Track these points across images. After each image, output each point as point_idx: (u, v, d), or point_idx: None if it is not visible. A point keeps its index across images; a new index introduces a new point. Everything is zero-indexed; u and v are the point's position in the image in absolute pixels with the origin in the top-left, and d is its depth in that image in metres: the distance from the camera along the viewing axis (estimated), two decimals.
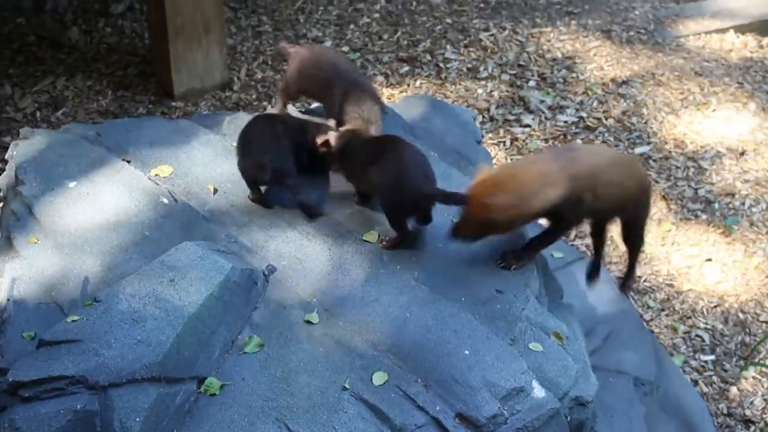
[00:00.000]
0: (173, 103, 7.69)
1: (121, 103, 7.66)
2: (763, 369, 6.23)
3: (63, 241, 4.51)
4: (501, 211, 4.26)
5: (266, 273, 4.38)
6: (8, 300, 4.25)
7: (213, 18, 7.55)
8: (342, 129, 4.82)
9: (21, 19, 8.50)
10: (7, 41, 8.26)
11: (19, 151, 5.06)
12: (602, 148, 4.60)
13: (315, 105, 5.71)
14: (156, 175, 4.93)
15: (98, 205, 4.71)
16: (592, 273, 5.17)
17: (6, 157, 5.14)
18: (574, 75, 8.30)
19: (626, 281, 5.36)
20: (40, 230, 4.58)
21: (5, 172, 5.20)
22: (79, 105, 7.64)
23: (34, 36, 8.33)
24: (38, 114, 7.54)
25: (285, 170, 4.67)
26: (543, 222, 4.87)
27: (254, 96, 7.85)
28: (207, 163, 5.02)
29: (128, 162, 5.00)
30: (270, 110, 5.55)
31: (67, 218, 4.64)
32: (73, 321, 3.91)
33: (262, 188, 4.79)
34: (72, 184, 4.83)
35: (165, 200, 4.77)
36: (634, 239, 5.06)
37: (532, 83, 8.19)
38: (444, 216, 4.76)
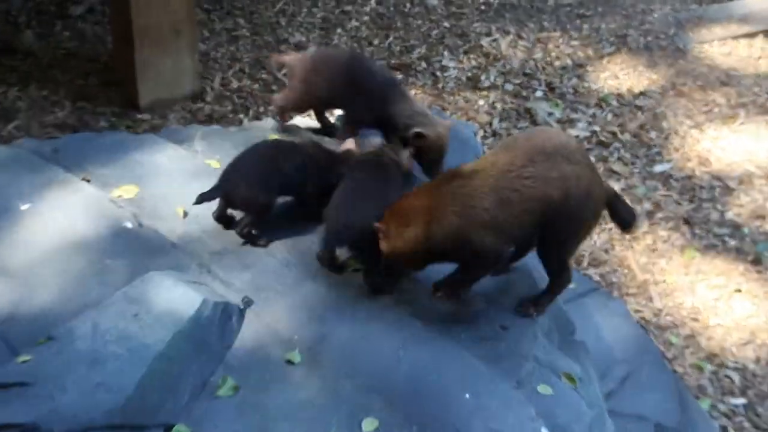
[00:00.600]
0: (139, 116, 7.66)
1: (80, 115, 7.62)
2: None
3: (13, 271, 4.47)
4: (404, 244, 4.19)
5: (242, 307, 4.34)
6: None
7: (184, 20, 7.53)
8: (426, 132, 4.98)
9: None
10: None
11: None
12: (537, 135, 4.11)
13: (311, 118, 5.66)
14: (119, 196, 4.89)
15: (54, 229, 4.67)
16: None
17: None
18: (585, 85, 8.30)
19: (529, 303, 4.59)
20: None
21: None
22: (34, 117, 7.61)
23: None
24: None
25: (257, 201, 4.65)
26: None
27: (229, 107, 7.82)
28: (176, 184, 4.99)
29: (88, 182, 4.97)
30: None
31: (19, 244, 4.59)
32: (23, 361, 3.85)
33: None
34: (24, 207, 4.78)
35: (129, 225, 4.73)
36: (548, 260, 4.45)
37: (539, 94, 8.18)
38: None
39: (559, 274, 4.45)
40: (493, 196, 4.06)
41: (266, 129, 5.50)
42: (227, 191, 4.62)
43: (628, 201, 7.20)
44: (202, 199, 4.59)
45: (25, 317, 4.25)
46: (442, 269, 4.35)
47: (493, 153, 4.27)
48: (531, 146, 4.16)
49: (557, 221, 4.18)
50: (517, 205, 4.07)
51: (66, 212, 4.75)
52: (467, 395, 4.04)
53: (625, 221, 4.56)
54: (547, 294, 4.51)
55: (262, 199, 4.63)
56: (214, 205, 4.78)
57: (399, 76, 8.23)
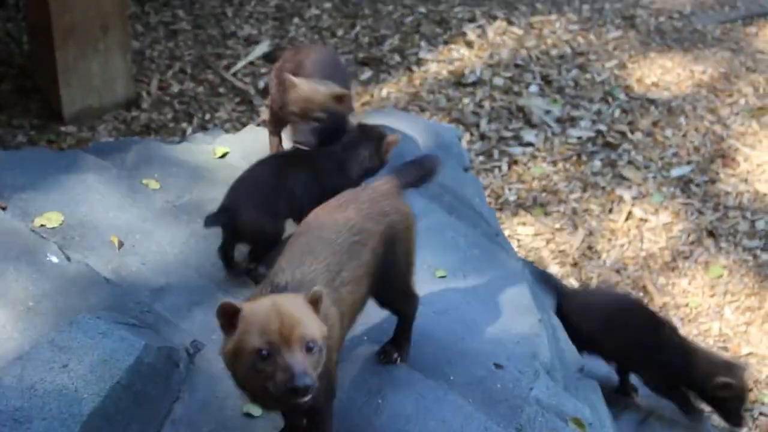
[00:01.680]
0: (63, 128, 7.68)
1: None
2: None
3: None
4: None
5: (191, 351, 4.36)
6: None
7: (113, 14, 7.56)
8: None
9: None
10: None
11: None
12: None
13: None
14: (41, 225, 4.91)
15: None
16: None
17: None
18: (588, 76, 8.36)
19: (391, 347, 4.44)
20: None
21: None
22: None
23: None
24: None
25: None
26: None
27: (170, 115, 7.85)
28: (109, 208, 5.01)
29: (3, 209, 4.98)
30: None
31: None
32: None
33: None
34: None
35: (54, 259, 4.74)
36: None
37: (533, 89, 8.24)
38: (425, 269, 4.78)
39: (407, 302, 4.40)
40: None
41: (212, 141, 5.53)
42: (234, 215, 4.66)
43: (641, 212, 7.28)
44: (209, 222, 4.61)
45: None
46: None
47: None
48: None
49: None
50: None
51: None
52: None
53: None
54: (406, 331, 4.40)
55: (269, 228, 4.67)
56: (154, 234, 4.82)
57: (368, 72, 8.29)
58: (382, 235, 3.93)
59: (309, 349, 3.29)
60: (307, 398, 3.26)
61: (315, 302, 3.42)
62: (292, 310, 3.33)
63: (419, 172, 4.25)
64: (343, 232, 3.81)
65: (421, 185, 4.32)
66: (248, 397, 3.61)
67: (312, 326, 3.34)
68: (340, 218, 3.86)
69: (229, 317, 3.36)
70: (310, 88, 4.73)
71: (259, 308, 3.35)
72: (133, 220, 4.96)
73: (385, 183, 4.08)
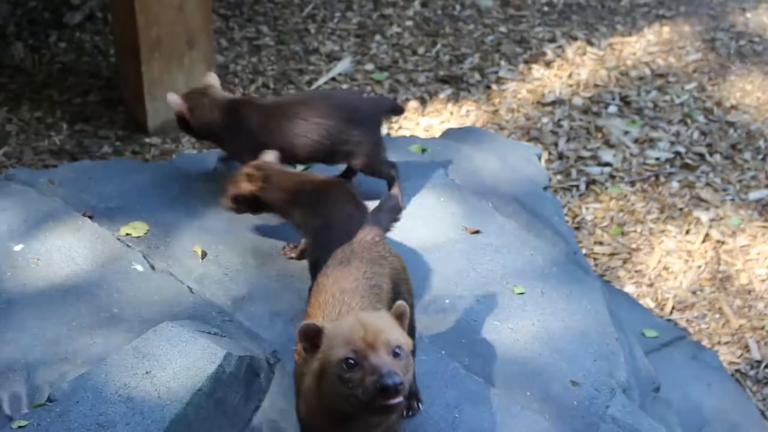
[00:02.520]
0: (147, 140, 7.74)
1: (79, 139, 7.71)
2: None
3: (5, 322, 4.53)
4: None
5: (271, 361, 4.39)
6: None
7: (198, 29, 7.62)
8: None
9: None
10: None
11: None
12: None
13: None
14: (127, 234, 4.96)
15: (52, 273, 4.74)
16: None
17: None
18: (667, 98, 8.33)
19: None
20: None
21: None
22: (26, 143, 7.71)
23: None
24: None
25: None
26: None
27: None
28: (193, 219, 5.05)
29: (90, 218, 5.03)
30: None
31: (11, 291, 4.66)
32: (19, 427, 3.91)
33: None
34: (17, 248, 4.86)
35: (139, 267, 4.79)
36: None
37: (612, 109, 8.22)
38: (504, 286, 4.78)
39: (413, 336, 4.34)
40: None
41: None
42: None
43: (719, 234, 7.23)
44: None
45: (21, 375, 4.31)
46: None
47: None
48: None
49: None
50: None
51: (66, 254, 4.82)
52: None
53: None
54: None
55: None
56: (236, 244, 4.86)
57: (448, 90, 8.29)
58: (389, 277, 3.96)
59: (396, 354, 3.26)
60: (398, 399, 3.20)
61: (400, 317, 3.42)
62: (376, 321, 3.32)
63: (390, 215, 4.32)
64: (359, 279, 3.82)
65: (393, 226, 4.35)
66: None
67: (397, 333, 3.33)
68: (350, 270, 3.87)
69: (311, 338, 3.36)
70: None
71: (341, 324, 3.35)
72: (216, 230, 5.00)
73: (369, 233, 4.12)
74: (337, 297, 3.70)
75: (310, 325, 3.35)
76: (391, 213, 4.31)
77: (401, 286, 4.00)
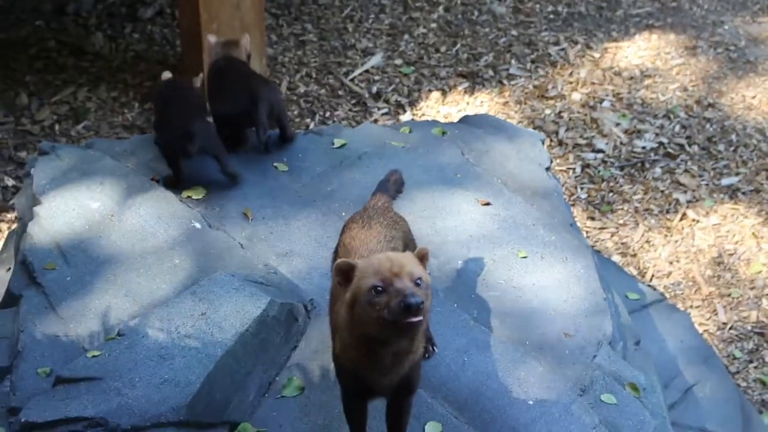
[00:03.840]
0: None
1: (148, 116, 7.72)
2: None
3: (84, 268, 4.56)
4: None
5: (308, 308, 4.40)
6: (21, 332, 4.29)
7: (252, 24, 7.61)
8: None
9: (40, 22, 8.62)
10: (24, 46, 8.37)
11: (37, 167, 5.13)
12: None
13: None
14: (188, 197, 4.97)
15: (123, 228, 4.76)
16: None
17: (23, 174, 5.19)
18: (653, 96, 8.29)
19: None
20: (58, 255, 4.63)
21: (21, 191, 5.27)
22: (103, 118, 7.72)
23: (54, 41, 8.44)
24: (57, 127, 7.63)
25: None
26: None
27: (296, 112, 7.90)
28: (244, 186, 5.07)
29: (157, 182, 5.05)
30: None
31: (89, 243, 4.69)
32: (93, 356, 3.94)
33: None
34: (95, 206, 4.88)
35: (197, 225, 4.81)
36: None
37: (606, 104, 8.18)
38: (509, 250, 4.78)
39: None
40: None
41: (332, 134, 5.56)
42: None
43: (694, 213, 7.22)
44: None
45: (95, 314, 4.34)
46: None
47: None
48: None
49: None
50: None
51: (136, 211, 4.84)
52: (530, 401, 4.08)
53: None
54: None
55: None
56: (280, 208, 4.88)
57: (465, 83, 8.28)
58: (401, 238, 3.99)
59: (417, 284, 3.27)
60: (420, 317, 3.22)
61: (422, 258, 3.43)
62: (401, 258, 3.34)
63: (395, 186, 4.38)
64: (382, 242, 3.85)
65: (398, 195, 4.42)
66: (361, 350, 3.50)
67: (419, 269, 3.33)
68: (373, 233, 3.90)
69: (346, 273, 3.37)
70: None
71: (372, 260, 3.37)
72: (264, 196, 5.01)
73: (380, 199, 4.18)
74: (366, 257, 3.71)
75: (345, 261, 3.37)
76: (396, 185, 4.37)
77: (410, 245, 4.04)
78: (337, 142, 5.47)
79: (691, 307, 6.70)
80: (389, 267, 3.29)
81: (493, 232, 4.92)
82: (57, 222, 4.78)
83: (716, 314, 6.71)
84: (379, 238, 3.84)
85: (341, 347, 3.54)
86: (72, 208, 4.86)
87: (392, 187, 4.32)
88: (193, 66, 7.69)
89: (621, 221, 7.25)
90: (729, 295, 6.81)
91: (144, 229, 4.75)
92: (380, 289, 3.26)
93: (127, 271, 4.53)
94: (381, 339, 3.37)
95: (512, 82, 8.35)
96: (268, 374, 4.13)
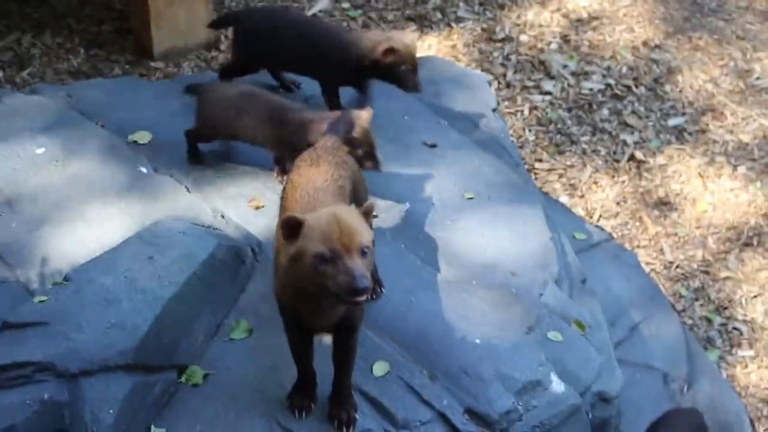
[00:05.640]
0: (152, 64, 7.68)
1: (94, 63, 7.65)
2: None
3: (28, 213, 4.53)
4: None
5: (255, 251, 4.40)
6: None
7: None
8: None
9: None
10: None
11: None
12: None
13: None
14: (134, 141, 4.95)
15: (69, 173, 4.73)
16: None
17: None
18: (600, 37, 8.30)
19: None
20: (3, 202, 4.59)
21: None
22: (48, 64, 7.64)
23: None
24: (1, 74, 7.54)
25: None
26: None
27: None
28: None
29: (102, 126, 5.02)
30: None
31: (34, 187, 4.65)
32: (40, 302, 3.93)
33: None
34: (40, 150, 4.84)
35: (143, 169, 4.79)
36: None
37: (553, 46, 8.19)
38: (456, 192, 4.80)
39: None
40: None
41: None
42: None
43: (641, 154, 7.26)
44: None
45: (40, 259, 4.32)
46: None
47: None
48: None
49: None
50: None
51: (82, 156, 4.81)
52: (477, 340, 4.11)
53: None
54: None
55: None
56: (227, 153, 4.86)
57: (413, 27, 8.25)
58: (350, 178, 3.99)
59: (364, 254, 3.29)
60: (364, 298, 3.26)
61: (367, 214, 3.44)
62: (349, 220, 3.34)
63: (346, 127, 4.36)
64: (328, 180, 3.85)
65: (348, 136, 4.38)
66: (293, 300, 3.56)
67: (366, 234, 3.34)
68: (320, 171, 3.90)
69: (293, 228, 3.37)
70: None
71: (320, 219, 3.36)
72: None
73: (329, 140, 4.16)
74: (312, 194, 3.73)
75: (292, 216, 3.37)
76: (346, 126, 4.35)
77: (359, 185, 4.06)
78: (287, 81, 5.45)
79: (638, 246, 6.75)
80: (338, 235, 3.28)
81: (440, 173, 4.93)
82: (1, 168, 4.74)
83: (663, 253, 6.77)
84: (326, 177, 3.84)
85: (280, 286, 3.56)
86: (16, 153, 4.81)
87: (342, 128, 4.31)
88: (138, 10, 7.62)
89: (568, 162, 7.28)
90: (675, 234, 6.88)
91: (90, 175, 4.72)
92: (327, 258, 3.26)
93: (73, 216, 4.51)
94: (319, 296, 3.41)
95: (460, 25, 8.33)
96: (217, 317, 4.14)
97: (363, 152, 4.38)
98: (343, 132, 4.32)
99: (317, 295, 3.41)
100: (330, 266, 3.26)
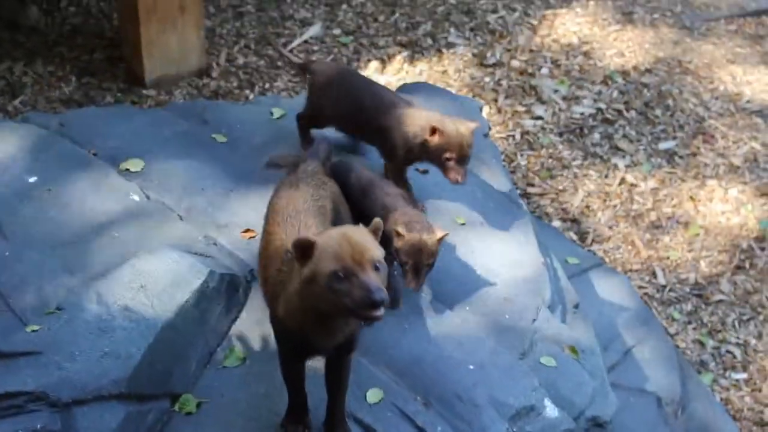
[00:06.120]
0: (144, 92, 7.69)
1: (86, 90, 7.66)
2: None
3: (21, 242, 4.52)
4: None
5: (248, 279, 4.40)
6: None
7: None
8: None
9: None
10: None
11: None
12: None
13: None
14: (126, 169, 4.94)
15: (61, 202, 4.72)
16: None
17: None
18: (591, 62, 8.33)
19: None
20: None
21: None
22: (40, 93, 7.65)
23: None
24: None
25: None
26: None
27: (235, 83, 7.86)
28: (183, 157, 5.04)
29: (95, 155, 5.02)
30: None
31: (26, 217, 4.64)
32: (32, 331, 3.92)
33: None
34: (32, 179, 4.84)
35: (136, 197, 4.78)
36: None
37: (544, 71, 8.21)
38: (448, 217, 4.80)
39: None
40: None
41: (271, 105, 5.55)
42: None
43: (633, 178, 7.28)
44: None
45: (33, 288, 4.31)
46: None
47: None
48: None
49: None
50: None
51: (74, 185, 4.81)
52: (471, 366, 4.11)
53: None
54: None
55: None
56: (219, 179, 4.85)
57: (404, 52, 8.27)
58: (330, 198, 4.01)
59: (377, 269, 3.29)
60: (382, 311, 3.25)
61: (375, 231, 3.44)
62: (360, 238, 3.34)
63: (325, 153, 4.37)
64: (308, 201, 3.87)
65: (328, 162, 4.39)
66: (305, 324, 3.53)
67: (377, 250, 3.34)
68: (300, 193, 3.92)
69: (304, 250, 3.37)
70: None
71: (331, 238, 3.36)
72: (203, 167, 4.99)
73: (309, 164, 4.18)
74: (293, 216, 3.74)
75: (305, 238, 3.37)
76: (325, 152, 4.37)
77: (340, 207, 4.07)
78: (276, 113, 5.46)
79: (631, 270, 6.76)
80: (350, 252, 3.29)
81: (433, 199, 4.93)
82: None
83: (655, 277, 6.78)
84: (305, 198, 3.86)
85: (287, 310, 3.54)
86: (7, 182, 4.81)
87: (322, 154, 4.32)
88: (130, 38, 7.64)
89: (560, 187, 7.29)
90: (667, 258, 6.89)
91: (82, 203, 4.72)
92: (341, 276, 3.26)
93: (65, 245, 4.50)
94: (335, 315, 3.41)
95: (451, 51, 8.36)
96: (209, 345, 4.13)
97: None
98: (323, 156, 4.33)
99: (333, 315, 3.41)
100: (345, 284, 3.26)
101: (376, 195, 4.36)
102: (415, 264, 4.12)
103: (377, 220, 3.47)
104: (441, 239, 4.14)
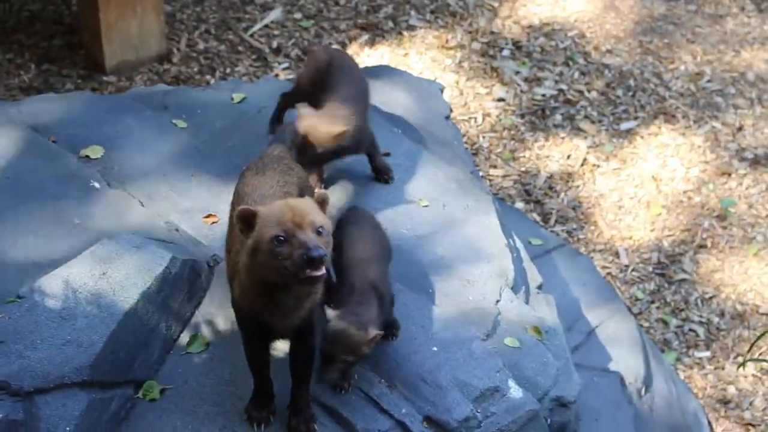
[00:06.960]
0: (105, 78, 7.65)
1: (45, 77, 7.61)
2: (764, 366, 6.30)
3: None
4: None
5: (211, 264, 4.39)
6: None
7: None
8: None
9: None
10: None
11: None
12: None
13: None
14: (86, 156, 4.91)
15: (20, 189, 4.68)
16: None
17: None
18: (552, 43, 8.34)
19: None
20: None
21: None
22: None
23: None
24: None
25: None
26: None
27: (196, 69, 7.83)
28: (143, 143, 5.01)
29: (54, 142, 4.98)
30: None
31: None
32: None
33: None
34: None
35: (96, 184, 4.75)
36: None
37: (506, 53, 8.22)
38: (411, 199, 4.80)
39: None
40: None
41: (231, 90, 5.52)
42: None
43: (595, 158, 7.30)
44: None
45: None
46: None
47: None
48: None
49: None
50: None
51: (33, 173, 4.77)
52: (434, 348, 4.11)
53: None
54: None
55: None
56: (180, 165, 4.83)
57: (365, 36, 8.26)
58: (296, 184, 3.98)
59: (319, 233, 3.30)
60: (322, 271, 3.25)
61: (321, 203, 3.44)
62: (302, 205, 3.35)
63: (291, 136, 4.35)
64: (274, 186, 3.86)
65: (293, 146, 4.34)
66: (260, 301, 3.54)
67: (320, 216, 3.36)
68: (266, 179, 3.90)
69: (248, 220, 3.37)
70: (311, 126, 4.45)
71: (273, 207, 3.38)
72: (163, 153, 4.97)
73: (275, 149, 4.16)
74: (258, 202, 3.72)
75: (246, 208, 3.37)
76: (292, 135, 4.35)
77: (306, 192, 4.03)
78: (237, 97, 5.43)
79: (594, 251, 6.79)
80: (291, 216, 3.30)
81: (395, 181, 4.93)
82: None
83: (618, 257, 6.81)
84: (271, 183, 3.85)
85: (241, 291, 3.55)
86: None
87: (288, 137, 4.31)
88: (89, 24, 7.59)
89: (523, 168, 7.31)
90: (630, 237, 6.92)
91: (41, 190, 4.68)
92: (282, 239, 3.27)
93: (25, 233, 4.46)
94: (282, 286, 3.39)
95: (412, 33, 8.35)
96: (173, 331, 4.12)
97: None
98: (289, 141, 4.31)
99: (279, 284, 3.40)
100: (286, 246, 3.27)
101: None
102: (331, 355, 3.79)
103: (323, 191, 3.48)
104: (371, 340, 3.79)
